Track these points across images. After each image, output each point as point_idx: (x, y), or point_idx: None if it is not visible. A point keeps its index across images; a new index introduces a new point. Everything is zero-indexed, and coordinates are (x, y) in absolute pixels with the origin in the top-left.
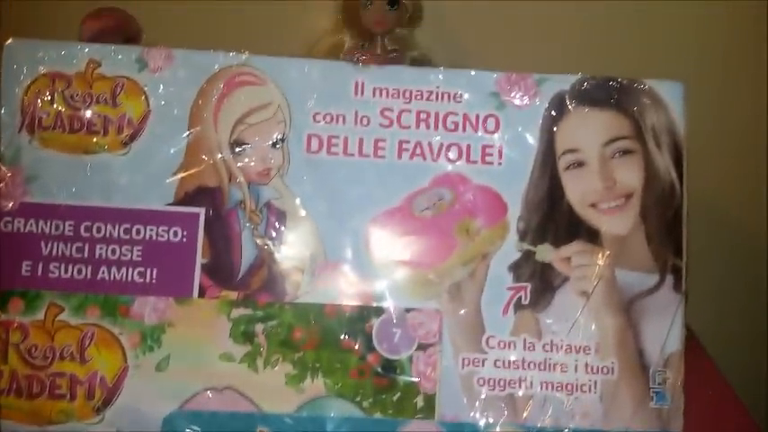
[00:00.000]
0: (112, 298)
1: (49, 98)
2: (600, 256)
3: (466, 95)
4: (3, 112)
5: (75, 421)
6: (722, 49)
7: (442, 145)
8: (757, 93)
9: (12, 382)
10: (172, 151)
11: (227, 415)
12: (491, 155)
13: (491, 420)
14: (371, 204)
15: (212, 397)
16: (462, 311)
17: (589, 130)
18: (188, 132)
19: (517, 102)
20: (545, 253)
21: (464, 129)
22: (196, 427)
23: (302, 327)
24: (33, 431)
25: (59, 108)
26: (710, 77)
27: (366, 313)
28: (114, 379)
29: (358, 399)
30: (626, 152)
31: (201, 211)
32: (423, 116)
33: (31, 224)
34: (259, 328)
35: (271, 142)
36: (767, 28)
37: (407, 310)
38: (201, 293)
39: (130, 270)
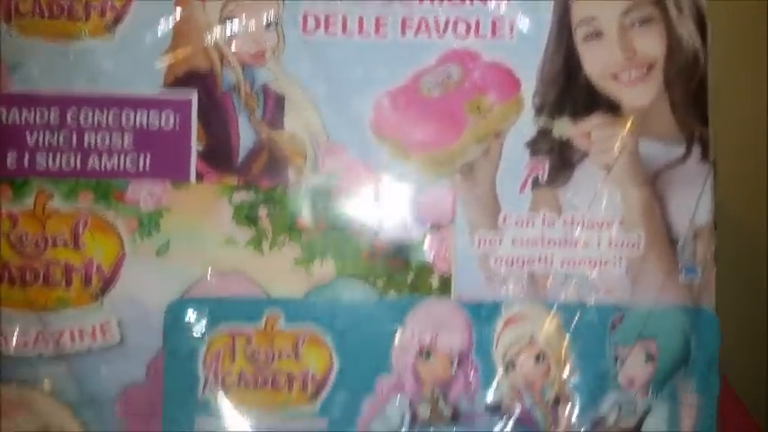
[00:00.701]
0: (105, 183)
1: None
2: (622, 127)
3: None
4: None
5: (72, 308)
6: (722, 49)
7: (448, 20)
8: (757, 93)
9: (4, 271)
10: (159, 35)
11: (233, 300)
12: (501, 29)
13: (510, 297)
14: (374, 85)
15: (217, 282)
16: (476, 190)
17: None
18: (174, 13)
19: None
20: (563, 128)
21: (471, 2)
22: (202, 313)
23: (308, 211)
24: (31, 318)
25: None
26: (710, 77)
27: (375, 195)
28: (111, 266)
29: (371, 279)
30: (646, 20)
31: (193, 95)
32: None
33: (14, 114)
34: (263, 211)
35: (264, 23)
36: (767, 28)
37: (418, 191)
38: (199, 179)
39: (122, 158)
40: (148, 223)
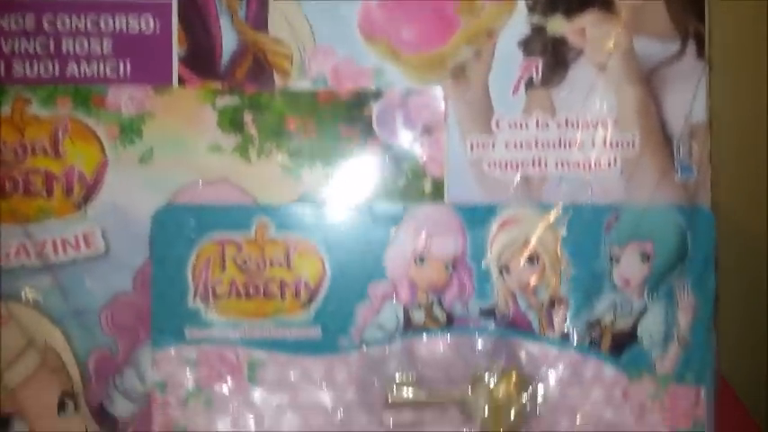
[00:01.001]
0: (84, 88)
1: None
2: (616, 24)
3: None
4: None
5: (54, 218)
6: (722, 49)
7: None
8: (757, 93)
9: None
10: None
11: (222, 207)
12: None
13: (503, 202)
14: None
15: (204, 189)
16: (468, 93)
17: None
18: None
19: None
20: (557, 25)
21: None
22: (190, 220)
23: (295, 116)
24: (16, 230)
25: None
26: (710, 77)
27: (364, 98)
28: (94, 174)
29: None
30: None
31: None
32: None
33: None
34: (248, 117)
35: None
36: (767, 28)
37: (408, 93)
38: (182, 85)
39: (101, 63)
40: (130, 129)
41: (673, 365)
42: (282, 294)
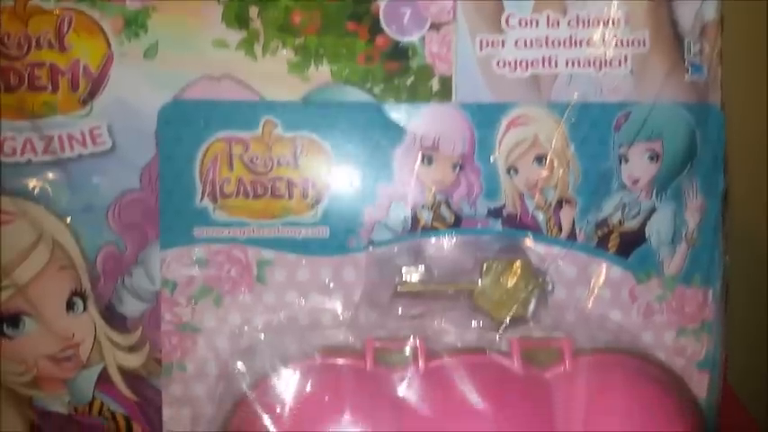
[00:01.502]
0: None
1: None
2: None
3: None
4: None
5: (60, 114)
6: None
7: None
8: (757, 93)
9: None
10: None
11: (229, 104)
12: None
13: (512, 101)
14: None
15: (209, 86)
16: None
17: None
18: None
19: None
20: None
21: None
22: (196, 117)
23: (301, 9)
24: (23, 125)
25: None
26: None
27: None
28: (99, 68)
29: (368, 85)
30: None
31: None
32: None
33: None
34: (254, 11)
35: None
36: (767, 28)
37: None
38: None
39: None
40: (135, 23)
41: (680, 266)
42: (290, 194)
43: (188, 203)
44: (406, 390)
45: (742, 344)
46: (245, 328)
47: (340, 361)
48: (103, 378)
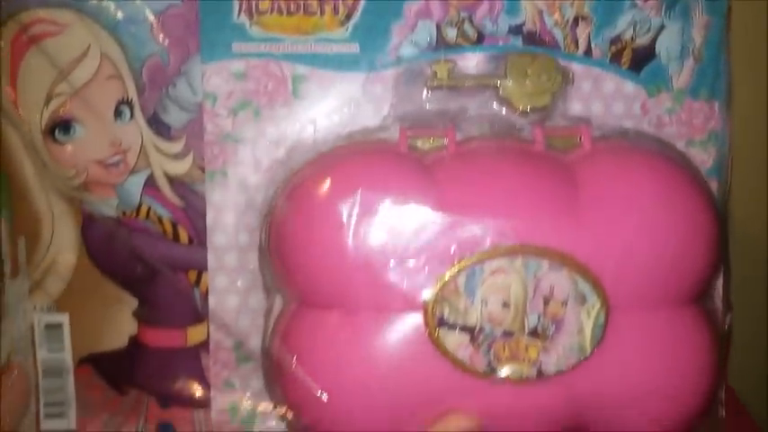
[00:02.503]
0: None
1: None
2: None
3: None
4: None
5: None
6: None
7: None
8: (757, 93)
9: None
10: None
11: None
12: None
13: None
14: None
15: None
16: None
17: None
18: None
19: None
20: None
21: None
22: None
23: None
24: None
25: None
26: None
27: None
28: None
29: None
30: None
31: None
32: None
33: None
34: None
35: None
36: (767, 28)
37: None
38: None
39: None
40: None
41: (688, 81)
42: (322, 11)
43: (226, 19)
44: (438, 168)
45: (742, 344)
46: (284, 138)
47: (375, 146)
48: (150, 184)
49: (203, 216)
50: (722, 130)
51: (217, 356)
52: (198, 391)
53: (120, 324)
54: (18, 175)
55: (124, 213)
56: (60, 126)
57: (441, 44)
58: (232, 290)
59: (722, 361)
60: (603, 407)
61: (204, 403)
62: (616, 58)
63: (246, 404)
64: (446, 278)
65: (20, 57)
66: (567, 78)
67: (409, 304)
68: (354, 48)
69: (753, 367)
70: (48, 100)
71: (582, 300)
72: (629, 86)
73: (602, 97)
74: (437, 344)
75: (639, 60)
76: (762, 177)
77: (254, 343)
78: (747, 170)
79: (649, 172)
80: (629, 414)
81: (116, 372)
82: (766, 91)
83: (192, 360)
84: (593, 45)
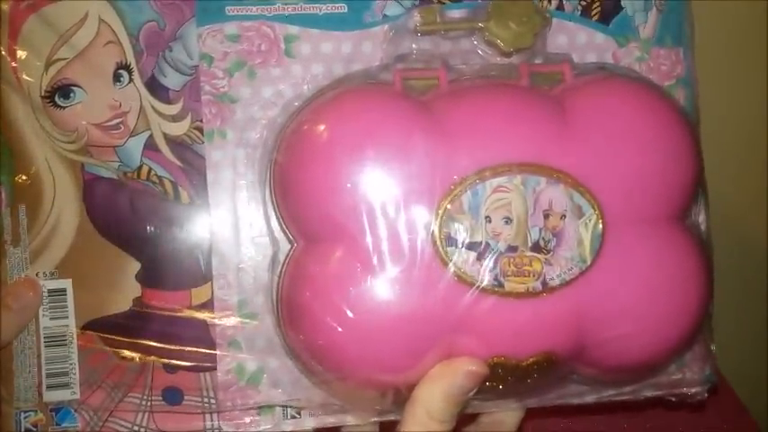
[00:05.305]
0: None
1: None
2: None
3: None
4: None
5: None
6: (721, 50)
7: None
8: (757, 93)
9: None
10: None
11: None
12: None
13: None
14: None
15: None
16: None
17: None
18: None
19: None
20: None
21: None
22: None
23: None
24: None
25: None
26: (710, 77)
27: None
28: None
29: None
30: None
31: None
32: None
33: None
34: None
35: None
36: (767, 28)
37: None
38: None
39: None
40: None
41: (653, 30)
42: None
43: None
44: (433, 102)
45: (741, 343)
46: (279, 92)
47: (371, 86)
48: (150, 145)
49: (203, 176)
50: (688, 74)
51: (221, 316)
52: (203, 351)
53: (123, 287)
54: (18, 141)
55: (125, 174)
56: (60, 91)
57: (424, 2)
58: (234, 249)
59: (710, 278)
60: (604, 323)
61: (210, 365)
62: (586, 11)
63: (252, 363)
64: (451, 197)
65: (20, 23)
66: (546, 20)
67: (415, 228)
68: (342, 7)
69: (753, 367)
70: (47, 65)
71: (579, 212)
72: (600, 38)
73: (576, 49)
74: (446, 263)
75: (607, 13)
76: (762, 177)
77: (259, 301)
78: (747, 170)
79: (630, 93)
80: (627, 333)
81: (120, 336)
82: (766, 91)
83: (197, 321)
84: (564, 1)
